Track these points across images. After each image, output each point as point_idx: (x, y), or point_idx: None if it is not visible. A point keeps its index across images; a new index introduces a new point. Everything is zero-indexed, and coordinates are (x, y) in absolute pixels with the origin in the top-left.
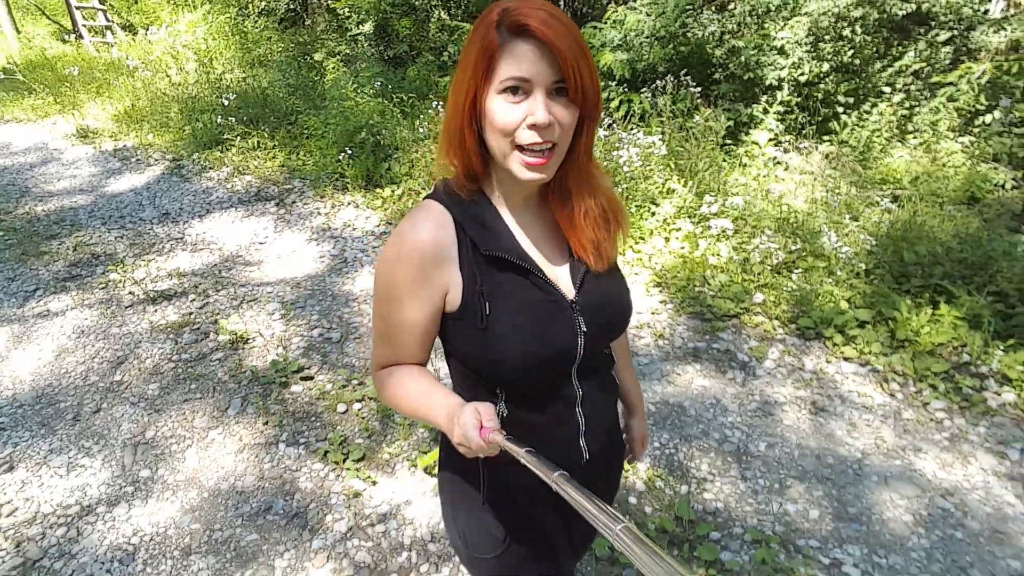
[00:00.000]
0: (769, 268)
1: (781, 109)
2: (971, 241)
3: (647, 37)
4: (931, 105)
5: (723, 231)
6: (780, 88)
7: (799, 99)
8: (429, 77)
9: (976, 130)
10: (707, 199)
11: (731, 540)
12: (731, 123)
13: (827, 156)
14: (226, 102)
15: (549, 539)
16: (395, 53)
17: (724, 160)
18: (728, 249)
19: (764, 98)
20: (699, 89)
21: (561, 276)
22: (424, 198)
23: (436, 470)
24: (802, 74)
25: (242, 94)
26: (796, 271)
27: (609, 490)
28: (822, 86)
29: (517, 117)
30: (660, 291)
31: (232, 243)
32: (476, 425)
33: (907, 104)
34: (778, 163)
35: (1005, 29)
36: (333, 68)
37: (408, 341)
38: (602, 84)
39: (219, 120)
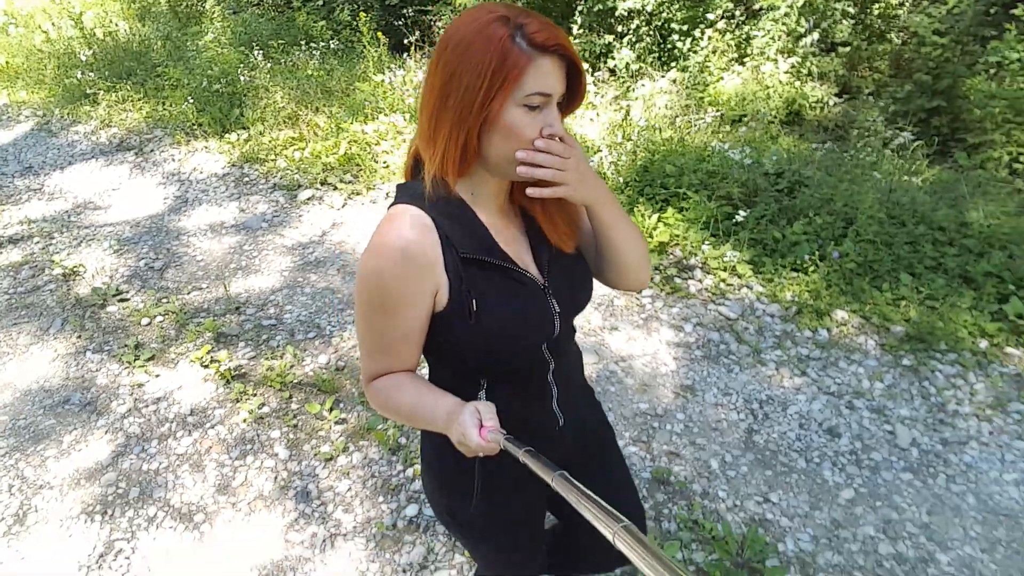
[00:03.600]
0: None
1: (633, 39)
2: (719, 154)
3: None
4: (760, 27)
5: None
6: (632, 18)
7: (647, 28)
8: (315, 24)
9: (800, 51)
10: None
11: None
12: (583, 52)
13: (674, 82)
14: (84, 57)
15: (528, 508)
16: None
17: None
18: None
19: (619, 28)
20: None
21: (528, 262)
22: (391, 205)
23: (211, 363)
24: (648, 3)
25: (111, 48)
26: None
27: (601, 453)
28: (664, 14)
29: (536, 129)
30: None
31: (87, 191)
32: (476, 425)
33: (737, 30)
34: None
35: None
36: (220, 17)
37: (405, 348)
38: None
39: (79, 76)
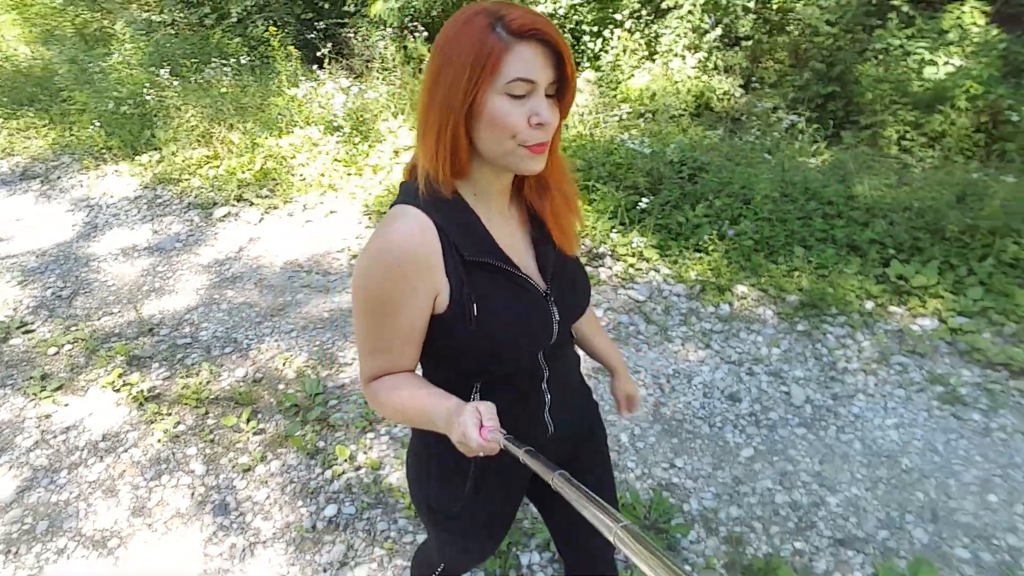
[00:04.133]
0: None
1: None
2: (622, 146)
3: None
4: (667, 25)
5: None
6: None
7: (561, 31)
8: (230, 41)
9: (705, 46)
10: None
11: (349, 405)
12: None
13: (588, 81)
14: None
15: (504, 506)
16: (198, 16)
17: None
18: None
19: None
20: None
21: (532, 268)
22: (394, 204)
23: (123, 387)
24: (560, 7)
25: (10, 74)
26: None
27: (589, 456)
28: (575, 16)
29: (523, 117)
30: (368, 219)
31: None
32: (476, 424)
33: (647, 28)
34: None
35: None
36: (130, 38)
37: (404, 349)
38: (375, 33)
39: None
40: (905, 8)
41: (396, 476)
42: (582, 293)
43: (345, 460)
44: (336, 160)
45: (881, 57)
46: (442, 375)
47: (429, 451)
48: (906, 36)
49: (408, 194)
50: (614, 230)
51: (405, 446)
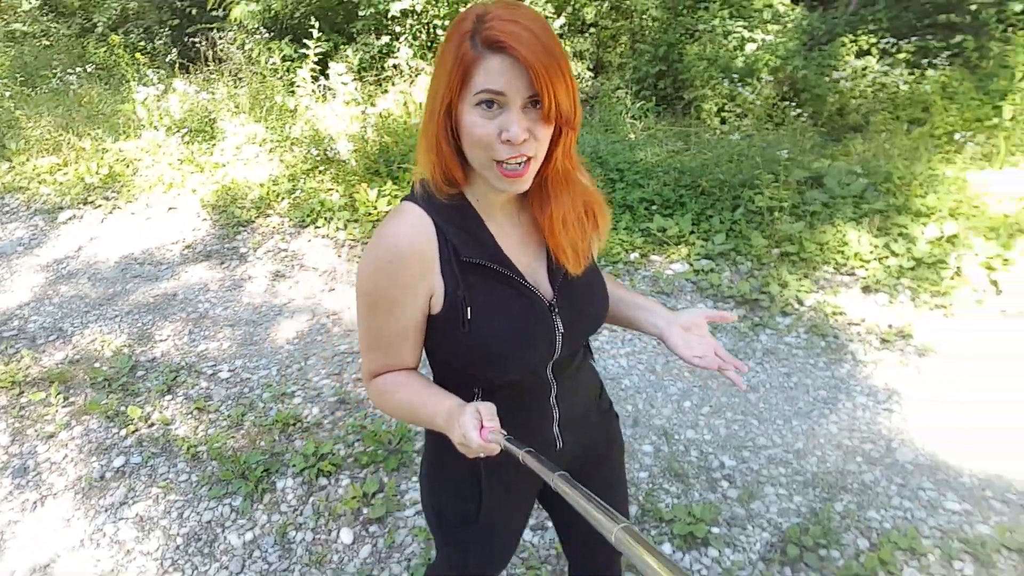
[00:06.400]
0: (288, 178)
1: (410, 38)
2: None
3: None
4: None
5: (255, 156)
6: (406, 17)
7: (420, 27)
8: (97, 51)
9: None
10: (257, 130)
11: (154, 373)
12: (364, 55)
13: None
14: None
15: (517, 514)
16: (68, 26)
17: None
18: (267, 171)
19: (396, 28)
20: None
21: (540, 277)
22: (403, 199)
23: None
24: (416, 3)
25: None
26: (315, 178)
27: (605, 472)
28: (432, 12)
29: (492, 131)
30: (206, 211)
31: None
32: (476, 426)
33: None
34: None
35: None
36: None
37: (402, 347)
38: (240, 36)
39: None
40: None
41: (183, 429)
42: (596, 309)
43: (139, 419)
44: (180, 160)
45: (708, 36)
46: (445, 376)
47: (443, 461)
48: (725, 16)
49: (415, 190)
50: None
51: (198, 404)
